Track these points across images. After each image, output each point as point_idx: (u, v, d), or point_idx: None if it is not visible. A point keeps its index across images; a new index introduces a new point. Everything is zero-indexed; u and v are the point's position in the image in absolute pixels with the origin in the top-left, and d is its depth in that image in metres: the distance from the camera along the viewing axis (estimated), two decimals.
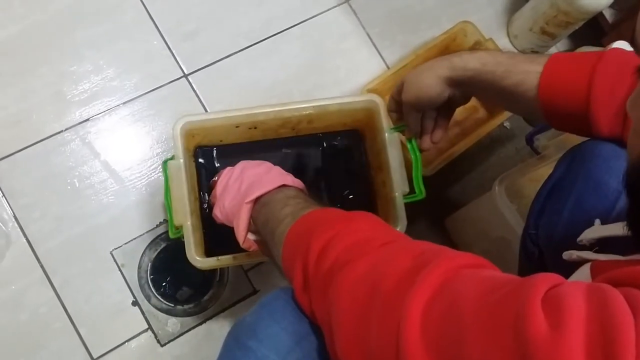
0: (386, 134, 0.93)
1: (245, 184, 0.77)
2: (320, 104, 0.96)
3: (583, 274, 0.55)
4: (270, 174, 0.77)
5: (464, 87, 0.78)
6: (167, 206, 0.86)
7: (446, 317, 0.41)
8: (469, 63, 0.74)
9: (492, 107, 1.19)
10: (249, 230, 0.75)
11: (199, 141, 0.97)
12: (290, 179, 0.76)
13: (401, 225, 0.90)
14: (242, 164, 0.82)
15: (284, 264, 0.62)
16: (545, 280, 0.39)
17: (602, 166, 0.67)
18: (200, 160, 0.99)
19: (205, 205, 0.97)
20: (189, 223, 0.85)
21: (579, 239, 0.64)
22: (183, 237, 0.85)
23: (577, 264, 0.59)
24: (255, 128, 0.97)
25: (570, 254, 0.60)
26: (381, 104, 0.94)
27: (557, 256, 0.70)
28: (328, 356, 0.57)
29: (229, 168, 0.84)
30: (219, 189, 0.81)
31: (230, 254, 0.88)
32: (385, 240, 0.55)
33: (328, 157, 1.05)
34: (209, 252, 0.91)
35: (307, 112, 0.96)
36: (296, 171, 0.95)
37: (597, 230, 0.62)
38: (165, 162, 0.88)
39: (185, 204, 0.85)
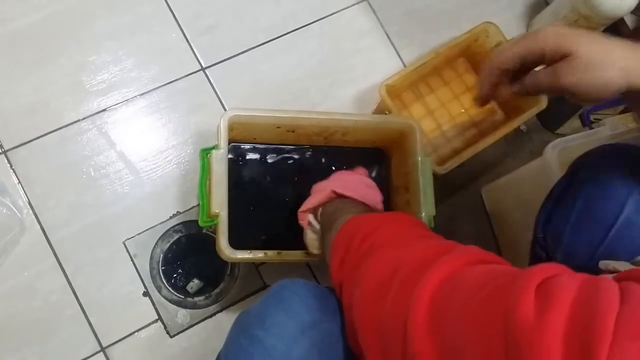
0: (419, 158, 0.96)
1: (346, 185, 0.82)
2: (361, 119, 1.00)
3: None
4: (369, 193, 0.83)
5: None
6: (201, 194, 0.89)
7: (448, 301, 0.43)
8: None
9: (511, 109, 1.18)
10: (314, 211, 0.82)
11: (234, 136, 0.99)
12: (379, 208, 0.82)
13: None
14: (366, 179, 0.88)
15: (332, 247, 0.65)
16: (543, 270, 0.40)
17: (609, 172, 0.67)
18: (231, 155, 1.02)
19: None
20: (224, 212, 0.86)
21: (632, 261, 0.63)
22: (212, 227, 0.88)
23: (592, 271, 0.60)
24: (293, 132, 1.00)
25: (606, 264, 0.60)
26: (417, 128, 0.97)
27: (565, 261, 0.70)
28: (334, 345, 0.60)
29: (353, 172, 0.93)
30: (334, 177, 0.87)
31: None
32: (423, 235, 0.60)
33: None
34: None
35: (346, 125, 0.99)
36: (319, 180, 0.99)
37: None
38: (203, 151, 0.91)
39: (224, 194, 0.87)
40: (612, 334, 0.32)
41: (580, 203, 0.70)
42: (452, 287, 0.44)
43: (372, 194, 0.83)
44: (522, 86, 0.63)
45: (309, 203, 0.82)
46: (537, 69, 0.61)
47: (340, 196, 0.80)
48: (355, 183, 0.84)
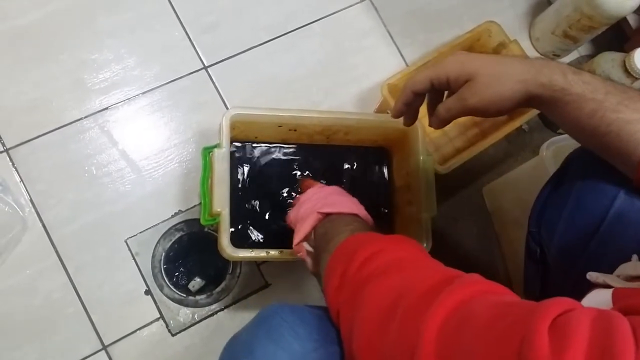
0: (421, 157, 0.96)
1: (324, 201, 0.79)
2: (364, 118, 1.01)
3: (604, 299, 0.55)
4: (349, 202, 0.80)
5: (547, 108, 0.64)
6: (203, 193, 0.89)
7: (459, 335, 0.43)
8: (574, 86, 0.60)
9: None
10: (306, 239, 0.78)
11: (236, 134, 0.99)
12: (363, 213, 0.78)
13: (426, 245, 0.93)
14: (334, 188, 0.86)
15: (327, 268, 0.64)
16: (556, 305, 0.40)
17: (600, 169, 0.67)
18: (232, 153, 1.01)
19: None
20: (225, 211, 0.86)
21: (615, 273, 0.62)
22: (214, 226, 0.88)
23: (585, 273, 0.60)
24: (295, 130, 1.00)
25: (596, 277, 0.60)
26: (419, 127, 0.97)
27: (558, 255, 0.73)
28: None
29: (321, 184, 0.89)
30: (304, 197, 0.83)
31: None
32: (425, 260, 0.59)
33: (353, 170, 1.08)
34: None
35: (348, 124, 0.99)
36: (320, 179, 1.00)
37: (637, 268, 0.60)
38: (205, 149, 0.92)
39: (225, 192, 0.87)
40: None
41: (572, 197, 0.71)
42: (460, 320, 0.43)
43: (350, 202, 0.80)
44: (436, 117, 0.69)
45: (300, 234, 0.77)
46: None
47: (325, 215, 0.77)
48: (330, 196, 0.81)
